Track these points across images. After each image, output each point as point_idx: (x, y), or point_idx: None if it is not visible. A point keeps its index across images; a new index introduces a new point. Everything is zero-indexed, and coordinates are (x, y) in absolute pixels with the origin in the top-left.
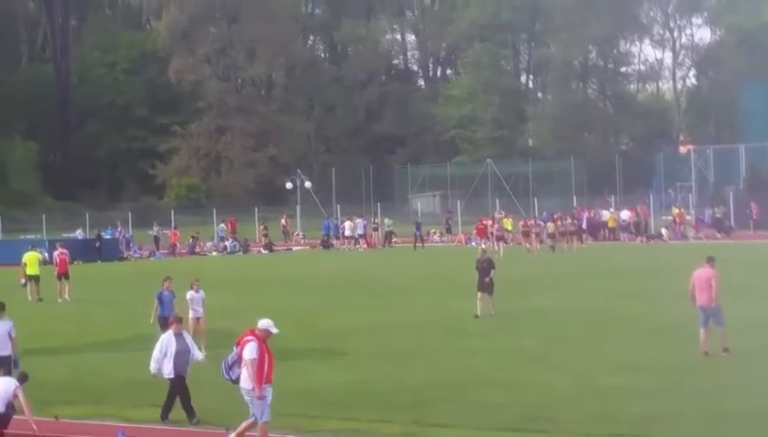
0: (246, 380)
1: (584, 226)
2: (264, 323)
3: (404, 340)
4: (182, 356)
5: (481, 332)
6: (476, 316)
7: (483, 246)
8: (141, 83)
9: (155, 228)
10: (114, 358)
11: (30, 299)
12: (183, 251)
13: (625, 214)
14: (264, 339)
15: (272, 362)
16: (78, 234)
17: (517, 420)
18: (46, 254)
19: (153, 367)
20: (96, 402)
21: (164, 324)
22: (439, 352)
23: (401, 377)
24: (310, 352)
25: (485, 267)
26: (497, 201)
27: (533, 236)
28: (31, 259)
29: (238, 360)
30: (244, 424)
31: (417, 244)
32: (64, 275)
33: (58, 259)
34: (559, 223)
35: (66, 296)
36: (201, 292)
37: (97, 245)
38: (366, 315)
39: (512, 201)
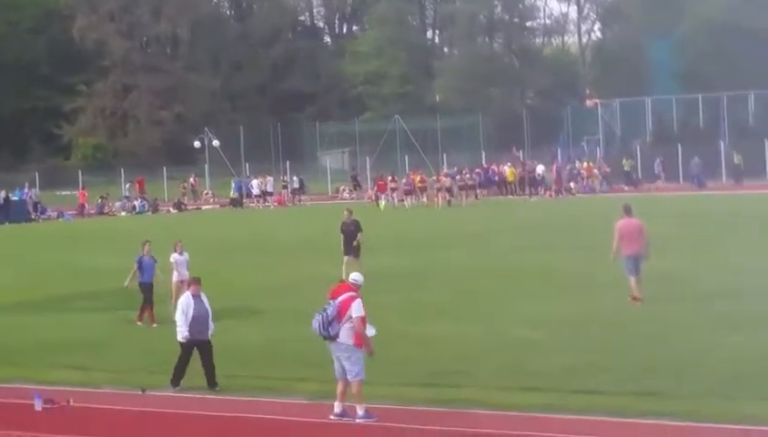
0: (348, 336)
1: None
2: (360, 278)
3: (315, 298)
4: (200, 319)
5: (390, 288)
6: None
7: (383, 202)
8: (45, 41)
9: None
10: (25, 320)
11: None
12: (92, 212)
13: (540, 168)
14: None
15: None
16: None
17: (430, 375)
18: None
19: (181, 330)
20: (9, 364)
21: (146, 291)
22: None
23: (311, 335)
24: (225, 312)
25: (352, 230)
26: (406, 157)
27: (441, 190)
28: None
29: (339, 316)
30: (341, 385)
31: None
32: None
33: None
34: (458, 177)
35: None
36: (185, 254)
37: (1, 204)
38: (277, 274)
39: (421, 157)
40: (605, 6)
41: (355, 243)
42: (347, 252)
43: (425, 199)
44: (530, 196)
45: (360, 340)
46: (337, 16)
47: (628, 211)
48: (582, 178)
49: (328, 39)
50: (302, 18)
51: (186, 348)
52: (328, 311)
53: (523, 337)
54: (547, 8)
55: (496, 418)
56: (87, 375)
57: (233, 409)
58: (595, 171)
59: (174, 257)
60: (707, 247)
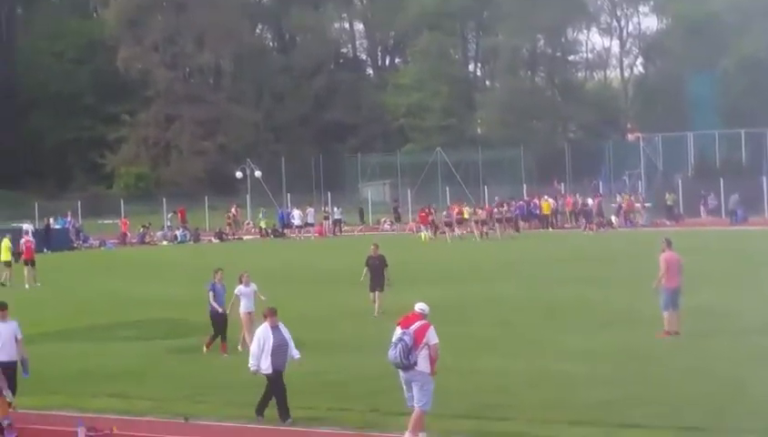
0: (425, 364)
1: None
2: (426, 307)
3: (358, 329)
4: (280, 350)
5: (434, 320)
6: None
7: (425, 233)
8: (89, 71)
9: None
10: (68, 347)
11: (7, 283)
12: (133, 241)
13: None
14: None
15: None
16: (25, 228)
17: (475, 407)
18: (22, 245)
19: (252, 364)
20: (53, 392)
21: (218, 320)
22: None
23: (357, 366)
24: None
25: (377, 264)
26: (447, 189)
27: (477, 223)
28: (5, 248)
29: (416, 344)
30: (415, 416)
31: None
32: (30, 261)
33: (24, 246)
34: (495, 210)
35: (36, 282)
36: (252, 285)
37: (43, 233)
38: (316, 304)
39: (462, 189)
40: (647, 41)
41: (384, 278)
42: (373, 288)
43: (459, 232)
44: (584, 229)
45: (435, 366)
46: (379, 49)
47: (669, 244)
48: (624, 212)
49: (370, 71)
50: (345, 50)
51: (273, 378)
52: (406, 340)
53: (565, 370)
54: (589, 42)
55: None
56: (130, 403)
57: None
58: (637, 205)
59: (239, 288)
60: (746, 281)
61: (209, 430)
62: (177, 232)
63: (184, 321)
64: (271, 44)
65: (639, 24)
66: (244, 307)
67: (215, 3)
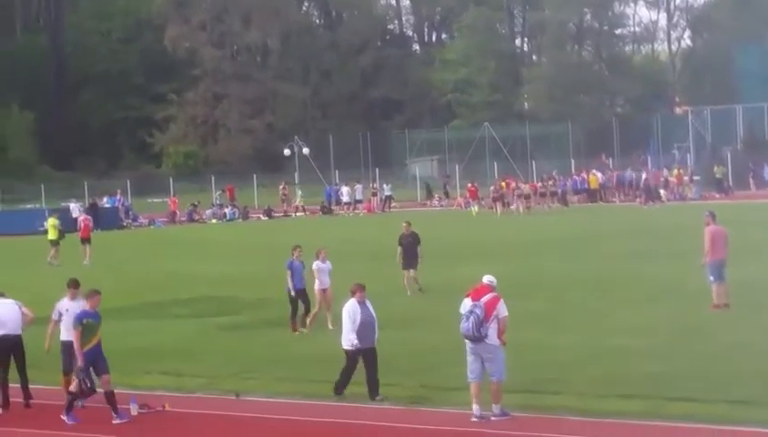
0: (495, 335)
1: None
2: (494, 279)
3: (406, 305)
4: (367, 326)
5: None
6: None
7: (475, 208)
8: (137, 51)
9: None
10: (119, 325)
11: (49, 261)
12: (182, 219)
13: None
14: None
15: None
16: (72, 207)
17: (526, 382)
18: (80, 223)
19: (350, 338)
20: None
21: (300, 296)
22: (442, 316)
23: (406, 341)
24: (317, 318)
25: (410, 242)
26: (495, 165)
27: (521, 198)
28: (50, 226)
29: (487, 316)
30: (475, 387)
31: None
32: (86, 239)
33: (82, 224)
34: (540, 184)
35: (87, 260)
36: (328, 263)
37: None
38: (368, 280)
39: (510, 165)
40: (695, 14)
41: (418, 257)
42: (407, 266)
43: (500, 207)
44: (644, 202)
45: (504, 336)
46: (426, 25)
47: (713, 218)
48: (673, 186)
49: (417, 47)
50: (391, 27)
51: (353, 356)
52: (478, 313)
53: (617, 345)
54: (636, 16)
55: (594, 424)
56: (181, 381)
57: (333, 414)
58: (686, 178)
59: (316, 264)
60: None
61: (260, 406)
62: (226, 210)
63: (234, 299)
64: (318, 21)
65: None
66: (320, 284)
67: None
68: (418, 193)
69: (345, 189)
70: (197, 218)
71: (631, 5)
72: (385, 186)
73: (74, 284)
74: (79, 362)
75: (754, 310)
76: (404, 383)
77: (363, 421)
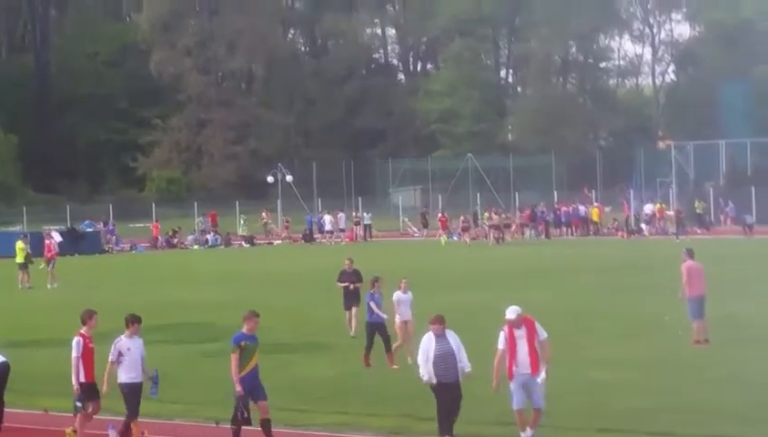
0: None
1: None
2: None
3: (390, 333)
4: (443, 360)
5: (466, 327)
6: (353, 337)
7: (444, 238)
8: (122, 75)
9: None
10: (101, 350)
11: (20, 286)
12: (164, 244)
13: (648, 208)
14: None
15: None
16: (55, 234)
17: (506, 413)
18: (46, 245)
19: (422, 374)
20: None
21: (377, 329)
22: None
23: (389, 370)
24: (297, 346)
25: (352, 279)
26: (477, 195)
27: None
28: (18, 249)
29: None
30: (520, 415)
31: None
32: (51, 261)
33: (46, 246)
34: (503, 215)
35: (55, 284)
36: (409, 294)
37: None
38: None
39: (493, 196)
40: (680, 49)
41: (352, 288)
42: (348, 306)
43: (467, 238)
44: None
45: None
46: (411, 54)
47: (690, 254)
48: (655, 220)
49: (402, 76)
50: (376, 56)
51: (435, 390)
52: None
53: (596, 378)
54: (621, 50)
55: None
56: (161, 407)
57: None
58: (668, 213)
59: (397, 295)
60: None
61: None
62: (208, 236)
63: (216, 325)
64: (303, 48)
65: (671, 31)
66: (400, 316)
67: (247, 7)
68: (400, 223)
69: (328, 218)
70: (177, 242)
71: (617, 38)
72: (365, 215)
73: (135, 320)
74: (237, 389)
75: (734, 345)
76: (386, 413)
77: None
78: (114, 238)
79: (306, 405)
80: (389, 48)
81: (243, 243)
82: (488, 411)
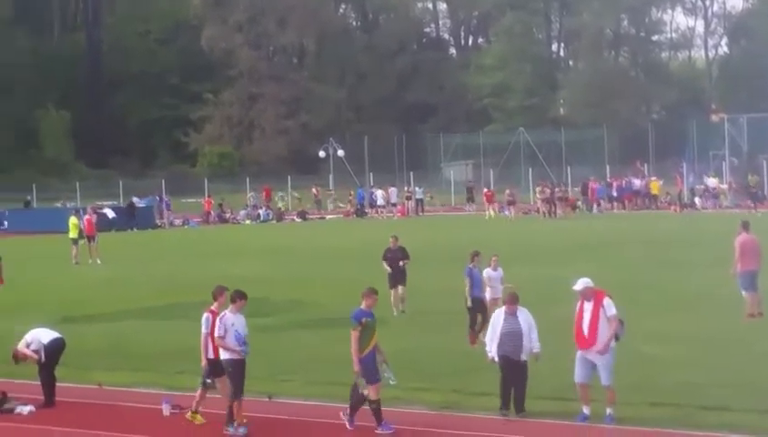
0: (605, 340)
1: (614, 193)
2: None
3: (442, 308)
4: (510, 338)
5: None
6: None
7: (491, 212)
8: (174, 51)
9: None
10: (152, 325)
11: (73, 261)
12: (216, 219)
13: (712, 182)
14: None
15: None
16: (108, 211)
17: (556, 388)
18: (83, 221)
19: (488, 350)
20: (139, 370)
21: (478, 305)
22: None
23: (442, 345)
24: (347, 321)
25: (398, 257)
26: (530, 170)
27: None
28: (71, 224)
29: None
30: (583, 389)
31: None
32: (91, 237)
33: (86, 222)
34: (557, 189)
35: (97, 259)
36: (500, 270)
37: (129, 212)
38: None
39: (545, 170)
40: (732, 21)
41: (398, 266)
42: (393, 284)
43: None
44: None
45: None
46: (462, 28)
47: (746, 227)
48: (713, 194)
49: (453, 51)
50: (428, 30)
51: (503, 366)
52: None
53: (648, 353)
54: (674, 22)
55: (623, 432)
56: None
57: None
58: (722, 186)
59: (488, 272)
60: None
61: (293, 408)
62: (260, 211)
63: (267, 300)
64: (354, 23)
65: (724, 3)
66: (491, 292)
67: None
68: (452, 197)
69: (379, 192)
70: (229, 218)
71: (669, 11)
72: (417, 189)
73: (241, 296)
74: (355, 367)
75: None
76: (437, 387)
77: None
78: (168, 212)
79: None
80: (440, 22)
81: (295, 218)
82: (545, 386)
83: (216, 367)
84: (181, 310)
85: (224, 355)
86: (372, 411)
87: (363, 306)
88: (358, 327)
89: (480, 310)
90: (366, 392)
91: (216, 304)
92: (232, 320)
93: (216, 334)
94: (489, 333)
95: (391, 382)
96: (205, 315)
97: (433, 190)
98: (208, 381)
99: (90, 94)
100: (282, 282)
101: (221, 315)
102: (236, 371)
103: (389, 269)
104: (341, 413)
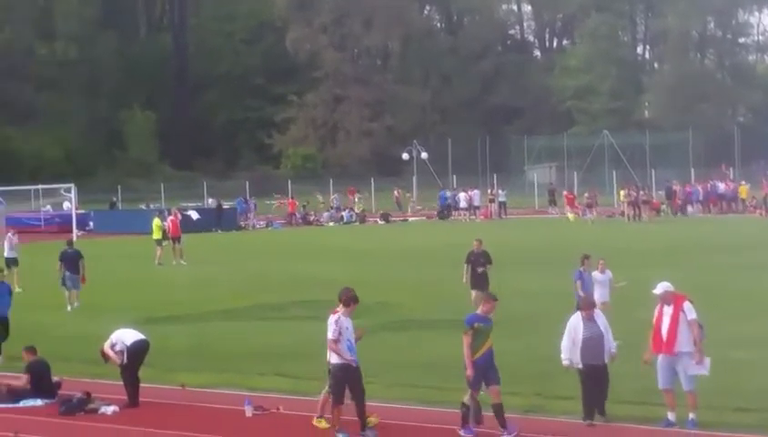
0: (689, 342)
1: (700, 197)
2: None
3: (524, 311)
4: (593, 343)
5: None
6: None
7: (571, 215)
8: (258, 52)
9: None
10: (238, 326)
11: (156, 263)
12: (299, 221)
13: None
14: None
15: None
16: (192, 212)
17: (641, 392)
18: (168, 222)
19: (564, 357)
20: (222, 371)
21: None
22: (559, 323)
23: (523, 348)
24: (430, 323)
25: (481, 261)
26: (614, 173)
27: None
28: (154, 226)
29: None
30: (669, 396)
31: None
32: (176, 238)
33: (170, 224)
34: (641, 192)
35: (182, 260)
36: (608, 273)
37: (217, 214)
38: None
39: (629, 173)
40: None
41: (480, 271)
42: (474, 285)
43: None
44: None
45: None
46: (547, 30)
47: None
48: None
49: (537, 53)
50: (512, 32)
51: (586, 376)
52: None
53: (732, 357)
54: (760, 25)
55: None
56: (297, 383)
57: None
58: None
59: (595, 275)
60: None
61: (378, 411)
62: (344, 213)
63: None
64: (439, 25)
65: None
66: (599, 296)
67: None
68: (536, 200)
69: (462, 195)
70: (313, 220)
71: (756, 13)
72: (500, 192)
73: (355, 299)
74: (468, 371)
75: None
76: (520, 391)
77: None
78: (252, 214)
79: (441, 382)
80: (524, 24)
81: (378, 220)
82: (627, 390)
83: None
84: (264, 312)
85: (334, 359)
86: (495, 414)
87: (479, 311)
88: (469, 331)
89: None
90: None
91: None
92: (346, 324)
93: (329, 337)
94: (565, 340)
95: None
96: (332, 317)
97: (516, 193)
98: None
99: (175, 95)
100: (366, 284)
101: (336, 317)
102: (342, 377)
103: (470, 272)
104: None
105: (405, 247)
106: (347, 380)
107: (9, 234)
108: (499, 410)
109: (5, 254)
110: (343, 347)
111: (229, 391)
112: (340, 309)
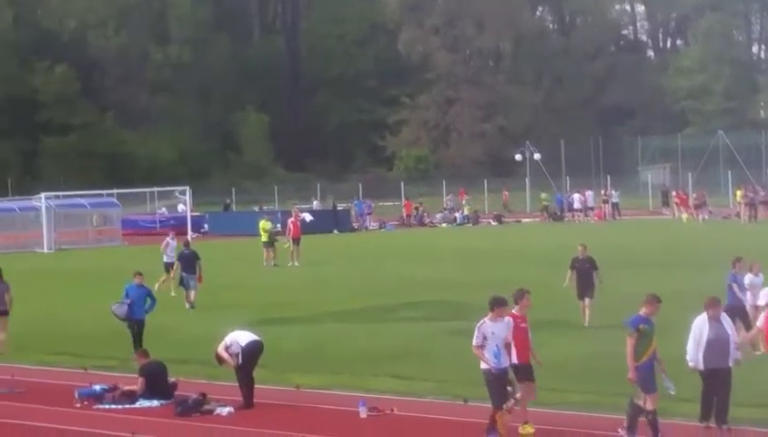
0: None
1: None
2: None
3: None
4: (719, 344)
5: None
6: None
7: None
8: (370, 54)
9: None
10: (351, 328)
11: (264, 264)
12: (413, 223)
13: None
14: None
15: None
16: (306, 215)
17: (759, 395)
18: (279, 225)
19: (689, 359)
20: (336, 372)
21: (736, 316)
22: (678, 326)
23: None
24: (545, 324)
25: (586, 267)
26: (729, 173)
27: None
28: (262, 229)
29: None
30: None
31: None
32: (296, 240)
33: (291, 225)
34: (762, 193)
35: (296, 262)
36: (761, 276)
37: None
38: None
39: (745, 173)
40: None
41: (595, 286)
42: (581, 295)
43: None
44: None
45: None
46: (660, 31)
47: None
48: None
49: (651, 53)
50: (625, 32)
51: (706, 376)
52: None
53: None
54: None
55: None
56: (411, 384)
57: (573, 424)
58: None
59: (749, 278)
60: None
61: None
62: (457, 214)
63: (467, 304)
64: (551, 26)
65: None
66: (752, 299)
67: None
68: (650, 201)
69: (576, 196)
70: (426, 221)
71: None
72: (613, 192)
73: (500, 302)
74: (629, 375)
75: None
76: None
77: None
78: (367, 216)
79: (557, 384)
80: (637, 25)
81: (491, 221)
82: (748, 393)
83: (521, 372)
84: (378, 313)
85: (483, 365)
86: (648, 422)
87: (642, 312)
88: (634, 333)
89: (740, 318)
90: (641, 403)
91: (517, 308)
92: (492, 329)
93: (473, 343)
94: (690, 341)
95: (671, 392)
96: (505, 319)
97: (629, 194)
98: (509, 388)
99: (288, 97)
100: (474, 286)
101: (480, 323)
102: (497, 382)
103: (575, 278)
104: (619, 428)
105: (517, 248)
106: (497, 385)
107: (168, 238)
108: (654, 418)
109: (165, 259)
110: (488, 353)
111: (343, 393)
112: (517, 310)
